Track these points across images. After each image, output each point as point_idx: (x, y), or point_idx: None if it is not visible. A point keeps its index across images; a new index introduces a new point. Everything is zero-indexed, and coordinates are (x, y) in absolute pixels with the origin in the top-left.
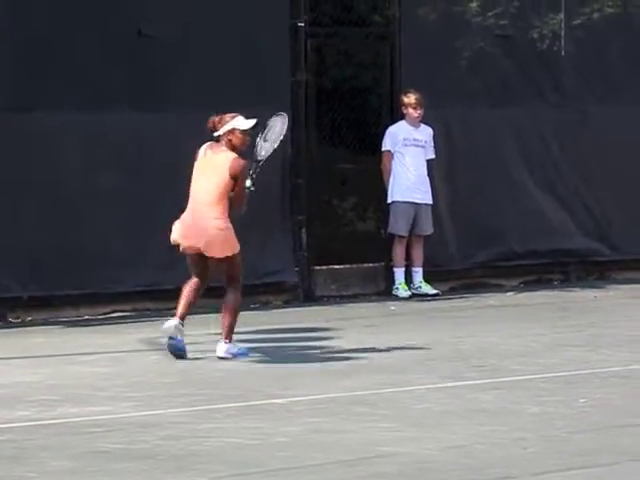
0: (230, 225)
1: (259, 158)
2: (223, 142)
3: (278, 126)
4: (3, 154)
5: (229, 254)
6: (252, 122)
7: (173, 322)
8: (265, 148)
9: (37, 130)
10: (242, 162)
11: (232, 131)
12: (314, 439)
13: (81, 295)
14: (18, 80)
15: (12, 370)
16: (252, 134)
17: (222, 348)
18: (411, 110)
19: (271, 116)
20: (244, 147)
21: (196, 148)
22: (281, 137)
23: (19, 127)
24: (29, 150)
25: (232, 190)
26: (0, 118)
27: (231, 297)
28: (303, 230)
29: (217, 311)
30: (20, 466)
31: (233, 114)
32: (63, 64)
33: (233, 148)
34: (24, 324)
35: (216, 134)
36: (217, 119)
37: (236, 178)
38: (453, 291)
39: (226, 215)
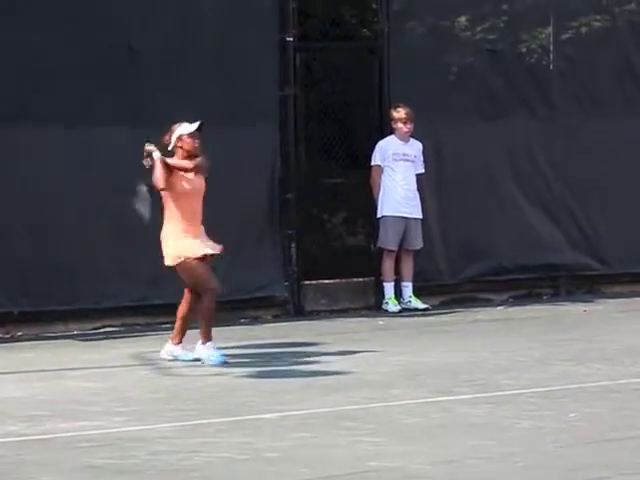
0: (170, 235)
1: None
2: (177, 153)
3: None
4: None
5: None
6: (196, 124)
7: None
8: None
9: (24, 145)
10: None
11: (180, 138)
12: (303, 454)
13: (71, 310)
14: (4, 94)
15: (1, 385)
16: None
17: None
18: (401, 125)
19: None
20: (196, 150)
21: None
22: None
23: (5, 142)
24: (16, 165)
25: None
26: None
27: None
28: (293, 245)
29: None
30: None
31: (178, 123)
32: (51, 78)
33: (187, 154)
34: (14, 339)
35: (170, 148)
36: (167, 135)
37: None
38: (443, 306)
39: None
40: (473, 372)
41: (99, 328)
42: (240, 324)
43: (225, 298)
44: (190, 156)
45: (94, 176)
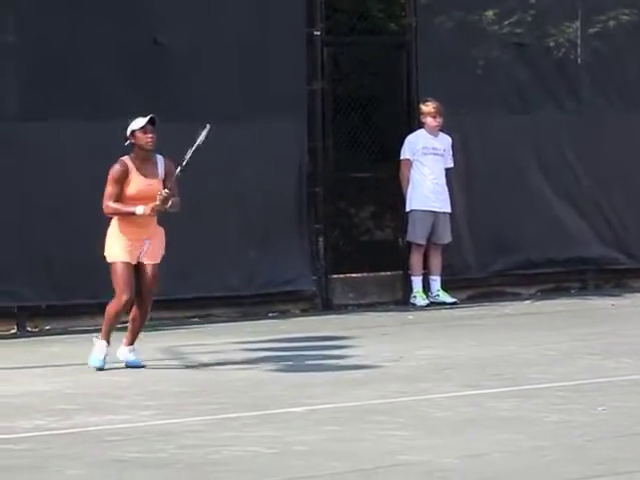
0: (111, 230)
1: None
2: (133, 149)
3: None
4: (17, 164)
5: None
6: (146, 118)
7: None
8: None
9: (50, 140)
10: (113, 167)
11: (132, 134)
12: (332, 448)
13: (98, 304)
14: (31, 89)
15: (30, 379)
16: (155, 130)
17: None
18: (430, 119)
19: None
20: (150, 145)
21: (213, 157)
22: (196, 143)
23: (34, 137)
24: (43, 160)
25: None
26: (13, 128)
27: None
28: (321, 239)
29: (236, 320)
30: (38, 475)
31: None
32: (77, 73)
33: (139, 150)
34: (42, 333)
35: (127, 144)
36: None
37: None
38: (471, 299)
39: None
40: (501, 366)
41: (126, 322)
42: (268, 318)
43: (253, 292)
44: (145, 151)
45: None
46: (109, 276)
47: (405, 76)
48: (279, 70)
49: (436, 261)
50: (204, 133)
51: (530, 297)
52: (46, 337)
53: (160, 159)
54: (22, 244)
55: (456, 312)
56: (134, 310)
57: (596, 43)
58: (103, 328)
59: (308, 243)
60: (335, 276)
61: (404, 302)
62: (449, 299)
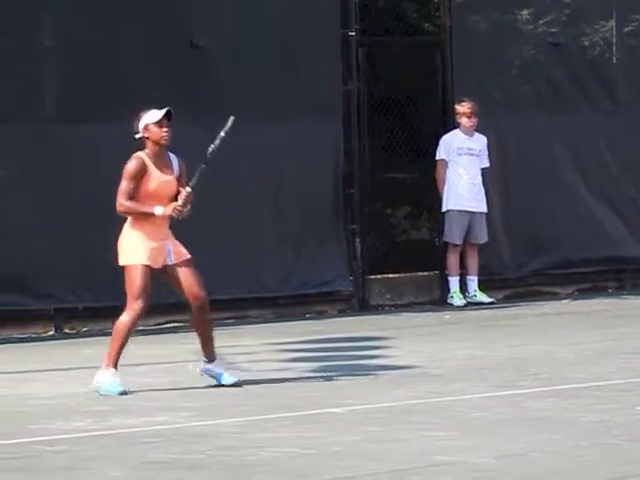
0: (126, 231)
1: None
2: (146, 144)
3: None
4: (55, 166)
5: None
6: (163, 111)
7: None
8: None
9: (90, 143)
10: (129, 162)
11: (146, 128)
12: (369, 448)
13: None
14: (69, 92)
15: (67, 381)
16: (169, 124)
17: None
18: (465, 119)
19: None
20: (165, 140)
21: (250, 158)
22: (221, 135)
23: (72, 139)
24: (81, 162)
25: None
26: (53, 130)
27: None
28: (357, 239)
29: (273, 321)
30: (76, 477)
31: (146, 111)
32: (114, 75)
33: (153, 145)
34: (79, 335)
35: (137, 137)
36: (136, 123)
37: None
38: (508, 299)
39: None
40: (538, 366)
41: (162, 324)
42: (305, 319)
43: (290, 293)
44: (159, 147)
45: None
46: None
47: (440, 76)
48: (314, 71)
49: (473, 261)
50: (228, 124)
51: (567, 297)
52: (83, 339)
53: (173, 157)
54: (60, 246)
55: (493, 312)
56: (192, 319)
57: (631, 42)
58: (111, 351)
59: (345, 244)
60: (372, 277)
61: (441, 302)
62: (486, 299)
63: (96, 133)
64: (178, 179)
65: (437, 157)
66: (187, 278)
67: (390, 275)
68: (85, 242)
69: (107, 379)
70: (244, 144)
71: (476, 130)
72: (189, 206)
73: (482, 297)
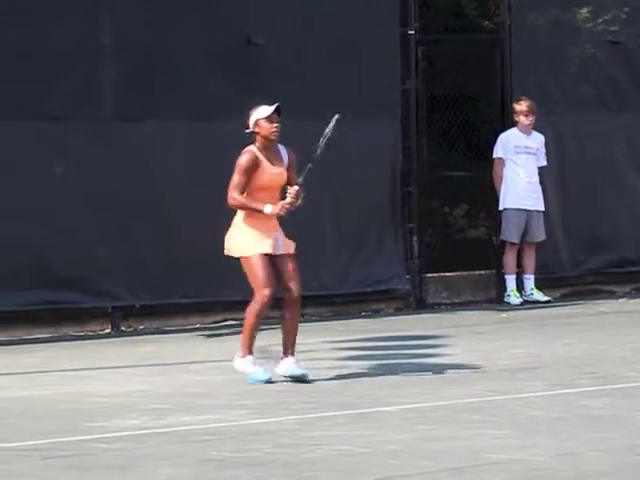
0: (238, 224)
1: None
2: (256, 139)
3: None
4: (112, 164)
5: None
6: (273, 107)
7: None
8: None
9: (148, 141)
10: (241, 156)
11: (256, 123)
12: (425, 447)
13: (192, 303)
14: (128, 90)
15: (124, 379)
16: (281, 121)
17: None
18: (522, 117)
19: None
20: (275, 135)
21: (307, 156)
22: (326, 135)
23: (129, 137)
24: (139, 160)
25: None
26: (110, 128)
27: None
28: (414, 238)
29: (329, 319)
30: (132, 474)
31: (256, 107)
32: (172, 74)
33: (263, 139)
34: (136, 333)
35: (248, 132)
36: (248, 119)
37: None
38: (565, 298)
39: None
40: (595, 364)
41: (220, 322)
42: (361, 317)
43: (347, 291)
44: (269, 141)
45: (216, 171)
46: (201, 275)
47: (499, 74)
48: (373, 69)
49: (530, 259)
50: (332, 123)
51: (624, 295)
52: (140, 337)
53: (282, 148)
54: (116, 244)
55: (550, 311)
56: (283, 311)
57: None
58: (242, 341)
59: (402, 242)
60: (429, 275)
61: (498, 301)
62: (543, 297)
63: (153, 131)
64: (288, 170)
65: (494, 155)
66: (288, 271)
67: (447, 273)
68: (142, 240)
69: (250, 369)
70: (302, 141)
71: (534, 129)
72: (299, 201)
73: (539, 296)
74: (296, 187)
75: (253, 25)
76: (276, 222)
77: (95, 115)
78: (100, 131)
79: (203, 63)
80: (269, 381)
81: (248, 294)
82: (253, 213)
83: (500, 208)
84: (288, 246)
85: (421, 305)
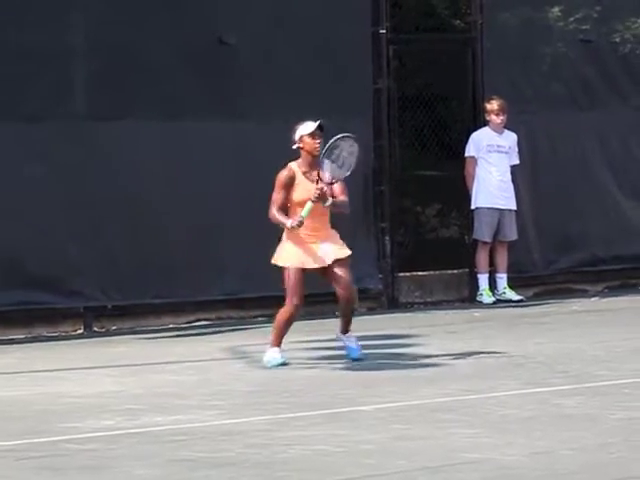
0: (284, 236)
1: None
2: (301, 154)
3: (346, 150)
4: (86, 164)
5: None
6: (316, 123)
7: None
8: (332, 171)
9: (121, 141)
10: (280, 172)
11: (301, 139)
12: (398, 446)
13: (164, 304)
14: (100, 89)
15: (97, 379)
16: (322, 135)
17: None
18: (494, 117)
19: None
20: (317, 152)
21: (278, 157)
22: (350, 166)
23: (101, 136)
24: (112, 160)
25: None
26: (83, 128)
27: None
28: (387, 237)
29: (302, 319)
30: (105, 475)
31: (303, 123)
32: (144, 73)
33: (307, 155)
34: (108, 333)
35: (294, 147)
36: (293, 135)
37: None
38: (537, 297)
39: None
40: (568, 363)
41: (193, 322)
42: (334, 317)
43: (319, 291)
44: (312, 156)
45: (188, 171)
46: (173, 276)
47: (471, 73)
48: (345, 69)
49: (502, 259)
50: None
51: (597, 294)
52: (112, 337)
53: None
54: (89, 244)
55: (522, 310)
56: (339, 308)
57: None
58: (272, 335)
59: (374, 242)
60: (401, 274)
61: (470, 300)
62: (515, 297)
63: (126, 131)
64: (331, 183)
65: (466, 154)
66: (337, 278)
67: (419, 273)
68: (114, 240)
69: (271, 355)
70: (274, 141)
71: (506, 127)
72: (330, 201)
73: (511, 295)
74: (319, 187)
75: (224, 25)
76: (326, 233)
77: (68, 115)
78: (73, 131)
79: (175, 63)
80: (284, 363)
81: (222, 294)
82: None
83: (472, 207)
84: (335, 255)
85: (394, 304)
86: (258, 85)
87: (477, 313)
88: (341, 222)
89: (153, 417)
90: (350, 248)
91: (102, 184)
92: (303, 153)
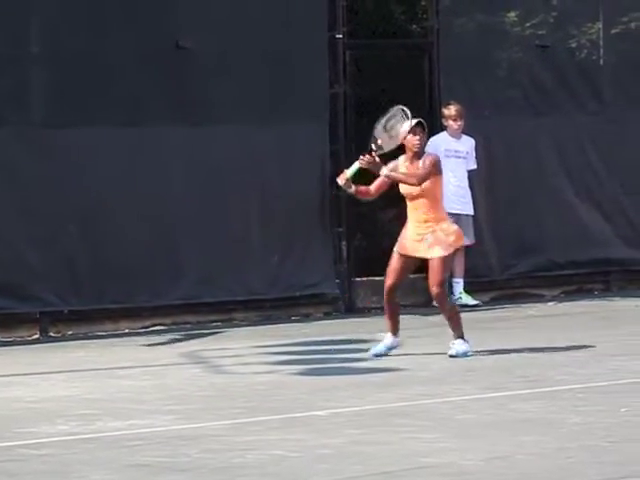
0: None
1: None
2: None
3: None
4: (42, 170)
5: None
6: (415, 121)
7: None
8: (383, 139)
9: (76, 146)
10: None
11: (404, 136)
12: (355, 451)
13: (121, 309)
14: (57, 96)
15: (53, 384)
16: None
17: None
18: (451, 122)
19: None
20: (417, 147)
21: (235, 161)
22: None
23: (58, 143)
24: (69, 166)
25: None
26: (40, 135)
27: None
28: (343, 242)
29: (259, 324)
30: None
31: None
32: (101, 79)
33: (409, 150)
34: (65, 338)
35: (397, 144)
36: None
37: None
38: (494, 302)
39: None
40: (525, 368)
41: (149, 327)
42: (291, 322)
43: (276, 296)
44: (412, 152)
45: (145, 176)
46: (130, 281)
47: (427, 79)
48: (301, 73)
49: (459, 263)
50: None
51: (553, 299)
52: (68, 342)
53: (425, 155)
54: (45, 249)
55: (479, 314)
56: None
57: (618, 44)
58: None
59: (331, 246)
60: (358, 279)
61: (427, 305)
62: (472, 301)
63: (83, 137)
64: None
65: None
66: (430, 272)
67: (376, 278)
68: (71, 245)
69: (385, 341)
70: (230, 147)
71: (463, 132)
72: (384, 170)
73: (468, 299)
74: (366, 157)
75: (181, 29)
76: (432, 226)
77: (24, 121)
78: (30, 137)
79: (132, 68)
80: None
81: (178, 299)
82: (408, 221)
83: None
84: (435, 250)
85: (350, 309)
86: (215, 89)
87: (433, 318)
88: (299, 227)
89: (109, 422)
90: (307, 253)
91: (59, 190)
92: (407, 150)
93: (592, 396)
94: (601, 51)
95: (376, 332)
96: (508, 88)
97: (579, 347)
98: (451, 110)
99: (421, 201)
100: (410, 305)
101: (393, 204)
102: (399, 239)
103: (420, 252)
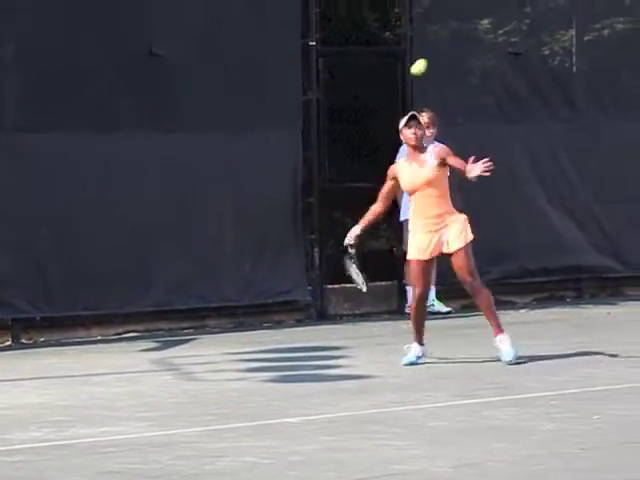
0: (409, 227)
1: None
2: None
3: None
4: (13, 175)
5: None
6: (406, 117)
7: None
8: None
9: (49, 152)
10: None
11: (401, 132)
12: (327, 458)
13: (93, 316)
14: (29, 101)
15: (25, 391)
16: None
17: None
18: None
19: None
20: (415, 141)
21: (208, 168)
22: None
23: (31, 149)
24: (41, 172)
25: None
26: (11, 139)
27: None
28: (315, 249)
29: (231, 330)
30: None
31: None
32: (74, 84)
33: (408, 146)
34: (37, 345)
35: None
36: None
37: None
38: (466, 309)
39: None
40: (497, 375)
41: (122, 334)
42: (263, 328)
43: (248, 303)
44: (414, 148)
45: (118, 182)
46: (102, 288)
47: (400, 86)
48: (275, 80)
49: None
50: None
51: (525, 306)
52: (40, 349)
53: (430, 147)
54: (17, 255)
55: (451, 321)
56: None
57: (591, 51)
58: (413, 331)
59: (303, 253)
60: (330, 286)
61: (399, 312)
62: (444, 308)
63: (56, 142)
64: (441, 165)
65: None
66: (456, 265)
67: (348, 285)
68: (43, 252)
69: (412, 352)
70: (203, 153)
71: (436, 139)
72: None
73: (440, 306)
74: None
75: (155, 36)
76: (445, 220)
77: None
78: (1, 141)
79: (106, 74)
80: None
81: (150, 306)
82: (413, 218)
83: (401, 219)
84: (454, 243)
85: (322, 316)
86: (188, 96)
87: (405, 325)
88: (270, 234)
89: (82, 429)
90: (279, 260)
91: (30, 196)
92: (408, 146)
93: (564, 403)
94: (574, 58)
95: (348, 338)
96: (481, 95)
97: (551, 354)
98: (424, 117)
99: (428, 192)
100: (382, 312)
101: (365, 211)
102: (410, 245)
103: (442, 248)
